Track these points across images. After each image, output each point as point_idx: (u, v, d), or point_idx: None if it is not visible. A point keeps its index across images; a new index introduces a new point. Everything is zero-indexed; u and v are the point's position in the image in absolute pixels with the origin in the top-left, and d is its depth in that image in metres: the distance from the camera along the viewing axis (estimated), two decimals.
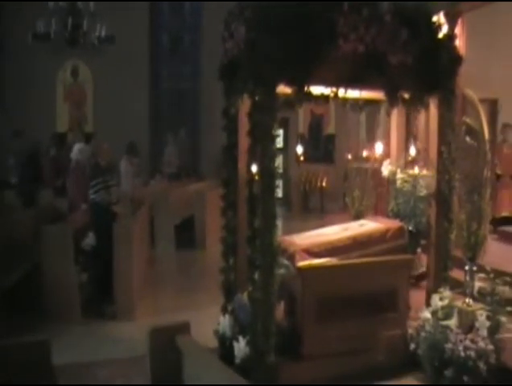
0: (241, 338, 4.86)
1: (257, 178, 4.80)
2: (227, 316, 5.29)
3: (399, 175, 6.30)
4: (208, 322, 5.51)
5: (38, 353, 3.42)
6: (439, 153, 5.40)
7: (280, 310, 5.17)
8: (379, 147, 6.99)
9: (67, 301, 6.76)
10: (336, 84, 4.94)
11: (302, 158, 15.02)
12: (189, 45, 17.28)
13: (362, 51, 4.89)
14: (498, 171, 9.26)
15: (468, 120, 7.54)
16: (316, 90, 4.92)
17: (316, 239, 5.60)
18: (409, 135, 7.70)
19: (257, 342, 4.67)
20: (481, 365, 4.55)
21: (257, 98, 4.75)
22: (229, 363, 4.70)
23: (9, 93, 15.63)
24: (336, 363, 5.10)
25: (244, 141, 5.20)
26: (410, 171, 6.33)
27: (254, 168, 4.92)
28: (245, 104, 5.20)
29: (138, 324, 6.54)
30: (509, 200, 8.93)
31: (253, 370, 4.64)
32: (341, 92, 4.99)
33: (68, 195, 9.19)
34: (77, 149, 8.97)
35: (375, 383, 4.98)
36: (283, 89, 4.75)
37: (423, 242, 5.87)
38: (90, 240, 7.30)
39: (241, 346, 4.84)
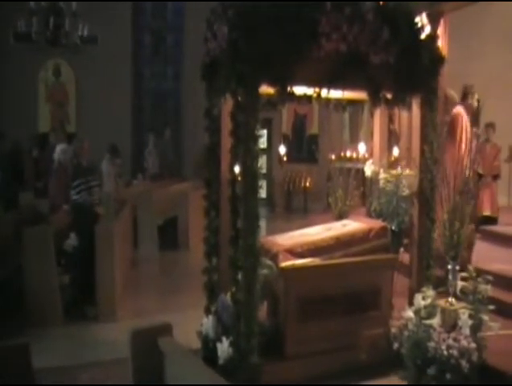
0: (224, 339, 4.84)
1: (239, 178, 4.78)
2: (210, 317, 5.26)
3: (382, 175, 6.31)
4: (192, 323, 5.48)
5: (18, 357, 3.37)
6: (422, 152, 5.43)
7: (263, 310, 5.16)
8: (362, 147, 7.00)
9: (48, 302, 6.70)
10: (319, 83, 4.94)
11: (285, 159, 15.03)
12: (172, 45, 17.23)
13: (344, 50, 4.89)
14: (480, 171, 9.33)
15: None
16: (299, 90, 4.92)
17: (299, 239, 5.59)
18: (392, 135, 7.73)
19: (240, 343, 4.65)
20: (464, 363, 4.57)
21: (239, 98, 4.74)
22: (212, 364, 4.69)
23: None
24: (319, 363, 5.10)
25: (226, 142, 5.18)
26: (393, 171, 6.35)
27: (237, 168, 4.91)
28: (227, 104, 5.19)
29: (120, 326, 6.50)
30: (490, 200, 8.99)
31: (237, 370, 4.62)
32: (324, 92, 4.98)
33: (49, 196, 9.11)
34: (60, 150, 8.90)
35: (359, 384, 4.99)
36: (266, 89, 4.74)
37: (405, 241, 5.89)
38: (72, 240, 7.24)
39: (224, 347, 4.81)
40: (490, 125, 9.69)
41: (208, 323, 5.24)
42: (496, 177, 9.36)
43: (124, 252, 8.36)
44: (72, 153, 8.81)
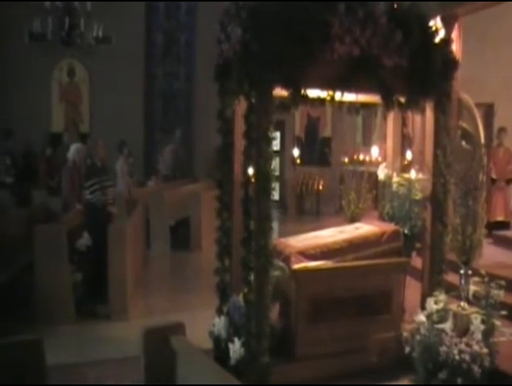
0: (236, 340, 4.86)
1: (252, 180, 4.79)
2: (222, 317, 5.28)
3: (395, 179, 6.30)
4: (203, 323, 5.51)
5: (31, 352, 3.40)
6: (435, 156, 5.41)
7: (275, 311, 5.17)
8: (375, 150, 7.00)
9: (60, 300, 6.75)
10: (332, 86, 4.93)
11: (298, 161, 15.04)
12: (184, 46, 17.27)
13: (357, 53, 4.89)
14: (493, 175, 9.29)
15: (463, 124, 7.56)
16: (312, 93, 4.92)
17: (312, 241, 5.59)
18: (405, 139, 7.72)
19: (251, 344, 4.67)
20: (476, 368, 4.56)
21: (252, 100, 4.75)
22: (223, 364, 4.70)
23: (4, 93, 15.58)
24: (329, 364, 5.11)
25: (239, 143, 5.20)
26: (406, 175, 6.33)
27: (250, 170, 4.92)
28: (240, 106, 5.20)
29: (131, 324, 6.54)
30: (503, 205, 8.96)
31: (248, 371, 4.64)
32: (337, 95, 4.99)
33: (62, 195, 9.17)
34: (74, 149, 8.95)
35: (368, 384, 4.99)
36: (279, 91, 4.75)
37: (418, 245, 5.87)
38: (85, 240, 7.29)
39: (236, 348, 4.83)
40: (503, 130, 9.66)
41: (220, 323, 5.26)
42: (509, 181, 9.33)
43: (136, 252, 8.40)
44: (86, 153, 8.87)
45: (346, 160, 8.64)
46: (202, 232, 11.08)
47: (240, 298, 5.07)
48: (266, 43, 4.59)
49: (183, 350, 3.31)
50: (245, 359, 4.72)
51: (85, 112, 16.42)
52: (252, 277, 4.70)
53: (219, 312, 5.39)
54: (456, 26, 8.34)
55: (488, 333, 4.76)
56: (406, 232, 5.83)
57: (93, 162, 7.94)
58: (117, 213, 7.55)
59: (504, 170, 9.17)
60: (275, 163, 6.46)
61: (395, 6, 5.11)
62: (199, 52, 16.31)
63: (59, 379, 4.83)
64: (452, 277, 5.46)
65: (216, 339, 5.25)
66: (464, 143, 6.15)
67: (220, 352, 5.11)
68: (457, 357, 4.59)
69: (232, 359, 4.81)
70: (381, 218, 6.29)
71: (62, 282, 6.80)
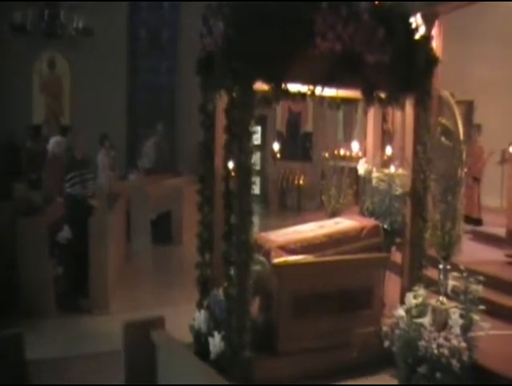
0: (216, 334, 4.87)
1: (233, 174, 4.80)
2: (202, 311, 5.29)
3: (375, 174, 6.34)
4: (184, 317, 5.52)
5: (11, 347, 3.38)
6: (415, 152, 5.46)
7: (255, 306, 5.19)
8: (356, 146, 7.03)
9: (41, 294, 6.70)
10: (313, 82, 4.96)
11: (278, 156, 15.04)
12: (167, 39, 17.18)
13: (340, 49, 4.92)
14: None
15: (443, 120, 7.62)
16: (293, 88, 4.94)
17: (292, 236, 5.61)
18: (385, 134, 7.76)
19: (232, 338, 4.68)
20: (454, 362, 4.61)
21: (234, 94, 4.76)
22: (204, 358, 4.71)
23: None
24: (311, 359, 5.14)
25: (221, 137, 5.21)
26: (386, 170, 6.38)
27: (231, 164, 4.93)
28: (222, 100, 5.21)
29: (113, 318, 6.51)
30: (470, 202, 8.99)
31: (228, 365, 4.65)
32: (318, 90, 5.01)
33: (43, 188, 9.10)
34: (54, 142, 8.89)
35: (348, 385, 5.03)
36: (261, 86, 4.76)
37: (397, 240, 5.92)
38: (65, 233, 7.25)
39: (216, 342, 4.85)
40: (476, 126, 9.76)
41: (200, 318, 5.28)
42: (476, 179, 9.39)
43: (117, 246, 8.36)
44: (66, 146, 8.80)
45: (327, 155, 8.66)
46: (183, 226, 11.06)
47: (220, 292, 5.09)
48: (248, 38, 4.60)
49: (163, 344, 3.31)
50: (225, 353, 4.74)
51: (66, 105, 16.28)
52: (233, 272, 4.72)
53: (199, 306, 5.40)
54: (437, 23, 8.42)
55: (466, 327, 4.81)
56: (386, 227, 5.87)
57: (73, 154, 7.88)
58: (97, 206, 7.49)
59: (474, 167, 9.23)
60: (256, 158, 6.46)
61: (377, 3, 5.14)
62: (182, 46, 16.23)
63: (40, 375, 4.82)
64: (431, 272, 5.51)
65: (197, 333, 5.26)
66: (443, 139, 6.19)
67: (200, 346, 5.13)
68: (436, 351, 4.65)
69: (212, 353, 4.83)
70: (362, 213, 6.33)
71: (43, 276, 6.75)
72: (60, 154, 8.72)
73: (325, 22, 4.84)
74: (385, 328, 5.31)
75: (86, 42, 14.23)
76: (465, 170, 8.68)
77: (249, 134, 4.67)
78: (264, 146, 16.43)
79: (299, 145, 16.18)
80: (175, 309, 6.45)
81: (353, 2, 4.98)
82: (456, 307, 4.91)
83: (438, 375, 4.62)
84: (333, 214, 6.43)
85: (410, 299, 5.10)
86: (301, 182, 15.75)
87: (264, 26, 4.63)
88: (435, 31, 8.18)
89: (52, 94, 16.21)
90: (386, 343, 5.14)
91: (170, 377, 3.20)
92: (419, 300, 5.05)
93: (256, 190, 6.93)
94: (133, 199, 10.79)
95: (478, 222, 9.18)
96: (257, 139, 15.14)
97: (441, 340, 4.68)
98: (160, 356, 3.34)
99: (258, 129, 15.52)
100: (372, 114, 6.56)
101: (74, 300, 7.06)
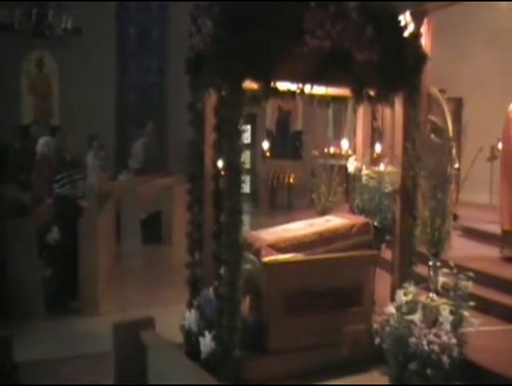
0: (206, 334, 4.86)
1: (223, 173, 4.79)
2: (193, 311, 5.28)
3: (365, 172, 6.34)
4: (175, 317, 5.50)
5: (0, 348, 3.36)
6: (404, 150, 5.46)
7: (246, 304, 5.18)
8: (345, 144, 7.03)
9: (30, 295, 6.66)
10: (303, 80, 4.95)
11: (268, 154, 15.05)
12: (156, 38, 17.13)
13: (328, 47, 4.91)
14: None
15: (433, 118, 7.64)
16: (283, 86, 4.93)
17: (282, 234, 5.61)
18: (375, 132, 7.77)
19: (222, 338, 4.67)
20: (444, 359, 4.61)
21: (223, 93, 4.75)
22: (194, 358, 4.71)
23: None
24: (302, 358, 5.14)
25: (210, 136, 5.20)
26: (376, 168, 6.38)
27: (220, 163, 4.92)
28: (211, 99, 5.20)
29: (102, 319, 6.48)
30: None
31: (219, 365, 4.64)
32: (307, 88, 5.00)
33: (32, 189, 9.05)
34: (43, 142, 8.84)
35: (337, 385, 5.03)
36: (250, 84, 4.75)
37: (387, 238, 5.93)
38: (55, 234, 7.21)
39: (206, 342, 4.83)
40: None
41: (190, 317, 5.26)
42: None
43: (107, 246, 8.33)
44: (55, 146, 8.76)
45: (317, 153, 8.67)
46: (173, 225, 11.04)
47: (211, 292, 5.08)
48: (236, 36, 4.59)
49: (153, 344, 3.30)
50: (216, 352, 4.73)
51: (55, 105, 16.19)
52: (223, 271, 4.71)
53: (190, 306, 5.38)
54: (426, 21, 8.43)
55: (456, 324, 4.82)
56: (376, 224, 5.88)
57: (62, 155, 7.84)
58: (87, 207, 7.46)
59: None
60: (246, 156, 6.45)
61: (366, 1, 5.14)
62: (171, 45, 16.18)
63: (29, 376, 4.79)
64: (421, 269, 5.52)
65: (187, 333, 5.25)
66: (433, 136, 6.20)
67: (191, 346, 5.11)
68: (426, 348, 4.65)
69: (203, 352, 4.81)
70: (352, 211, 6.34)
71: (32, 277, 6.71)
72: (49, 155, 8.67)
73: (314, 20, 4.83)
74: (375, 325, 5.32)
75: (74, 41, 14.15)
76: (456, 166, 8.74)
77: (239, 133, 4.66)
78: (254, 145, 16.42)
79: (289, 143, 16.19)
80: (166, 309, 6.43)
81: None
82: (446, 304, 4.91)
83: (428, 371, 4.63)
84: (323, 212, 6.43)
85: (401, 296, 5.10)
86: (291, 180, 15.77)
87: (253, 25, 4.62)
88: (424, 29, 8.20)
89: (41, 94, 16.11)
90: (377, 341, 5.14)
91: (160, 378, 3.19)
92: (410, 297, 5.05)
93: (246, 188, 6.92)
94: (123, 199, 10.75)
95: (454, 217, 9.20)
96: (247, 138, 15.13)
97: (431, 337, 4.68)
98: (150, 357, 3.32)
99: (248, 127, 15.52)
100: (361, 112, 6.56)
101: (64, 301, 7.02)
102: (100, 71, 15.57)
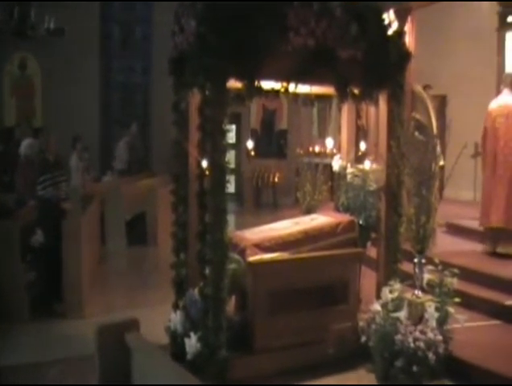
0: (192, 335, 4.83)
1: (207, 172, 4.77)
2: (178, 312, 5.25)
3: (349, 170, 6.35)
4: (160, 318, 5.47)
5: None
6: (389, 147, 5.47)
7: (231, 305, 5.16)
8: (330, 142, 7.03)
9: (14, 299, 6.59)
10: (287, 78, 4.94)
11: (253, 153, 15.05)
12: (140, 38, 17.05)
13: (312, 45, 4.91)
14: None
15: (417, 116, 7.66)
16: (267, 85, 4.92)
17: (267, 234, 5.59)
18: (359, 130, 7.78)
19: (208, 338, 4.65)
20: (430, 355, 4.63)
21: (207, 92, 4.73)
22: (180, 359, 4.68)
23: None
24: (288, 356, 5.13)
25: (194, 136, 5.18)
26: (361, 166, 6.39)
27: (205, 163, 4.89)
28: (195, 99, 5.17)
29: (87, 322, 6.42)
30: None
31: (205, 365, 4.62)
32: (291, 87, 4.99)
33: (15, 191, 8.98)
34: (26, 145, 8.78)
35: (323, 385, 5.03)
36: (234, 84, 4.73)
37: (373, 235, 5.94)
38: (38, 237, 7.14)
39: (192, 342, 4.81)
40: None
41: (176, 318, 5.23)
42: None
43: (91, 248, 8.28)
44: (38, 148, 8.69)
45: (301, 152, 8.67)
46: (158, 226, 11.00)
47: (196, 292, 5.06)
48: (220, 35, 4.57)
49: (137, 346, 3.27)
50: (202, 353, 4.71)
51: (38, 107, 16.07)
52: (208, 271, 4.69)
53: (175, 307, 5.35)
54: (410, 19, 8.46)
55: (442, 320, 4.84)
56: (361, 222, 5.89)
57: (45, 157, 7.78)
58: (71, 209, 7.40)
59: None
60: (230, 156, 6.44)
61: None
62: (155, 45, 16.11)
63: (14, 380, 4.74)
64: (406, 266, 5.53)
65: (173, 335, 5.22)
66: (417, 134, 6.22)
67: (176, 347, 5.08)
68: (412, 345, 4.66)
69: (188, 353, 4.79)
70: (337, 209, 6.34)
71: (15, 280, 6.64)
72: (33, 157, 8.60)
73: (298, 18, 4.82)
74: (361, 323, 5.32)
75: (57, 41, 14.05)
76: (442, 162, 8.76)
77: (223, 132, 4.64)
78: (239, 144, 16.42)
79: (273, 142, 16.21)
80: (151, 310, 6.41)
81: None
82: (431, 300, 4.94)
83: (414, 368, 4.64)
84: (308, 210, 6.42)
85: (386, 293, 5.11)
86: (276, 179, 15.79)
87: (236, 23, 4.60)
88: (407, 27, 8.23)
89: (24, 96, 15.99)
90: (363, 338, 5.15)
91: (144, 380, 3.16)
92: (395, 294, 5.06)
93: (231, 188, 6.92)
94: (107, 200, 10.70)
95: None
96: (231, 138, 15.13)
97: (417, 334, 4.70)
98: (135, 359, 3.29)
99: (233, 127, 15.52)
100: (346, 110, 6.56)
101: (48, 304, 6.96)
102: (83, 71, 15.49)
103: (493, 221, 7.04)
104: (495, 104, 7.20)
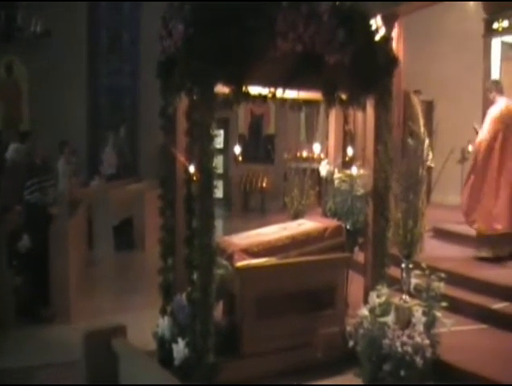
0: (180, 340, 4.82)
1: (195, 177, 4.76)
2: (166, 318, 5.23)
3: (337, 175, 6.37)
4: (148, 323, 5.44)
5: None
6: (376, 152, 5.48)
7: (219, 310, 5.15)
8: (317, 147, 7.05)
9: (1, 304, 6.54)
10: (274, 83, 4.94)
11: (240, 158, 15.05)
12: (128, 42, 17.00)
13: (300, 50, 4.91)
14: None
15: (410, 123, 7.72)
16: (254, 90, 4.92)
17: (255, 239, 5.59)
18: (347, 135, 7.80)
19: (196, 343, 4.64)
20: (418, 359, 4.64)
21: (195, 97, 4.72)
22: (168, 365, 4.67)
23: None
24: (276, 361, 5.13)
25: (182, 141, 5.17)
26: (348, 171, 6.41)
27: (192, 168, 4.89)
28: (182, 103, 5.17)
29: (75, 327, 6.38)
30: None
31: (193, 371, 4.61)
32: (279, 92, 5.00)
33: (1, 196, 8.92)
34: (13, 149, 8.75)
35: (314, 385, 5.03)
36: (222, 88, 4.73)
37: (360, 240, 5.95)
38: (25, 241, 7.10)
39: (180, 348, 4.79)
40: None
41: (163, 324, 5.21)
42: None
43: (79, 253, 8.24)
44: (25, 153, 8.66)
45: (289, 157, 8.69)
46: (146, 231, 10.97)
47: (184, 297, 5.04)
48: (208, 40, 4.56)
49: (124, 352, 3.26)
50: (190, 359, 4.69)
51: (25, 111, 15.97)
52: (196, 276, 4.68)
53: (163, 312, 5.33)
54: (398, 24, 8.52)
55: (429, 324, 4.86)
56: (348, 227, 5.90)
57: (32, 161, 7.75)
58: (58, 214, 7.37)
59: None
60: (218, 161, 6.43)
61: (337, 3, 5.15)
62: (143, 48, 16.08)
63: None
64: (394, 271, 5.55)
65: (160, 340, 5.19)
66: (410, 140, 6.27)
67: (164, 353, 5.06)
68: (400, 349, 4.66)
69: (176, 359, 4.77)
70: (324, 214, 6.35)
71: (2, 286, 6.60)
72: (20, 161, 8.57)
73: (286, 23, 4.82)
74: (349, 328, 5.33)
75: (44, 44, 13.99)
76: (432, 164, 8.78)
77: (211, 137, 4.63)
78: (227, 150, 16.41)
79: (261, 147, 16.22)
80: (139, 315, 6.38)
81: (313, 2, 4.98)
82: (418, 305, 4.95)
83: (402, 372, 4.65)
84: (296, 215, 6.43)
85: (374, 298, 5.12)
86: (264, 184, 15.79)
87: (224, 28, 4.60)
88: (396, 33, 8.28)
89: (10, 100, 15.89)
90: (351, 343, 5.15)
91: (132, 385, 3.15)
92: (383, 299, 5.07)
93: (219, 193, 6.90)
94: (94, 205, 10.66)
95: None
96: (219, 143, 15.12)
97: (405, 338, 4.70)
98: (121, 365, 3.28)
99: (221, 132, 15.51)
100: (333, 116, 6.58)
101: (35, 309, 6.91)
102: (71, 75, 15.42)
103: (498, 229, 6.99)
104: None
